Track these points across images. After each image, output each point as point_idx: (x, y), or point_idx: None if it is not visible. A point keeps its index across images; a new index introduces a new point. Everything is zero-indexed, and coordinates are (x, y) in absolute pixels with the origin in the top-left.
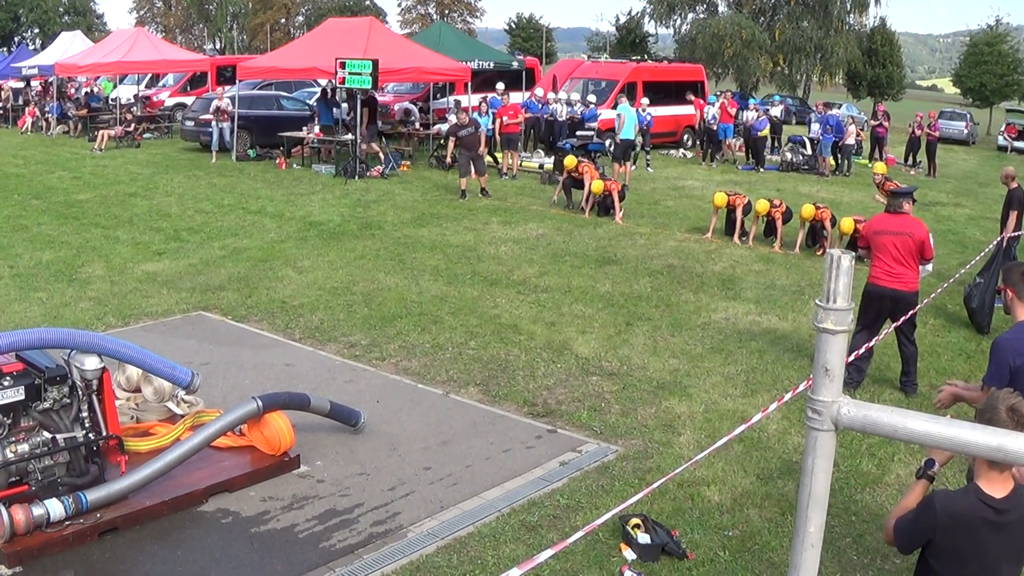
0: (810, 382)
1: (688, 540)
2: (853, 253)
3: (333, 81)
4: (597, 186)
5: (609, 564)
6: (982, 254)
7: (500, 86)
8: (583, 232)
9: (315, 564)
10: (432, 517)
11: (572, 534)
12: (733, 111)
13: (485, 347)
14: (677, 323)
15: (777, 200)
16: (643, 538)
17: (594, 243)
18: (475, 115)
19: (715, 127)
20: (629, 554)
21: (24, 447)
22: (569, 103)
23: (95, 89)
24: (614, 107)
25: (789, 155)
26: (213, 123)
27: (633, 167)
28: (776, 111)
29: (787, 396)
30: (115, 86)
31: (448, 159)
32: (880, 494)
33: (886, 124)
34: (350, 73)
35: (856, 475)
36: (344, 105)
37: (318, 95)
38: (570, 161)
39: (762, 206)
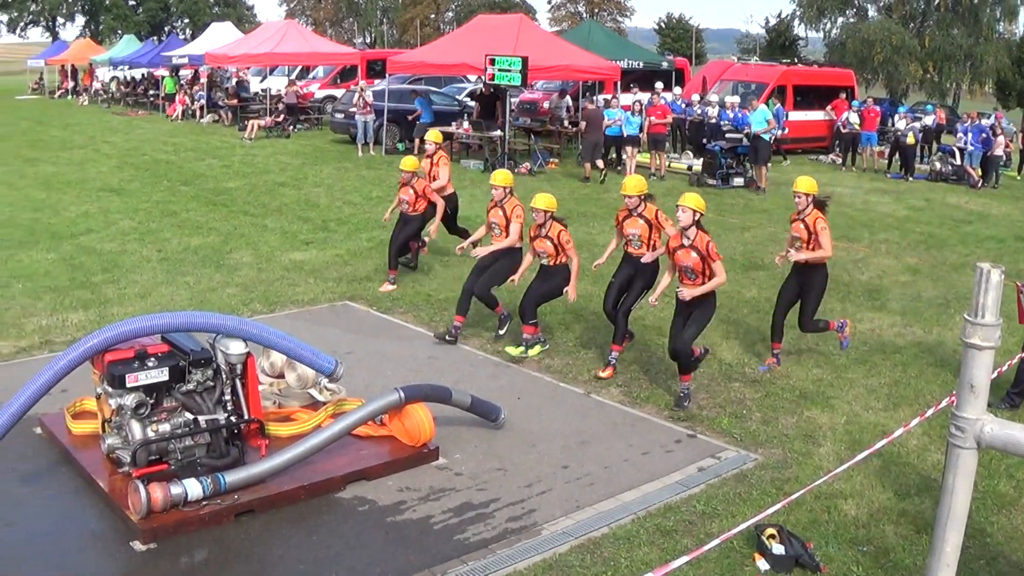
0: (954, 398)
1: (822, 553)
2: (1003, 267)
3: (483, 78)
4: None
5: (742, 573)
6: None
7: (659, 85)
8: (730, 236)
9: (448, 556)
10: (567, 516)
11: (707, 541)
12: (876, 119)
13: (628, 348)
14: (822, 332)
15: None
16: (777, 549)
17: (741, 247)
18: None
19: (845, 130)
20: (763, 564)
21: (165, 427)
22: (722, 104)
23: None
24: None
25: (938, 164)
26: (356, 116)
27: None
28: (929, 120)
29: (929, 411)
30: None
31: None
32: (1016, 517)
33: None
34: (500, 70)
35: (993, 496)
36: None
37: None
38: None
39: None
